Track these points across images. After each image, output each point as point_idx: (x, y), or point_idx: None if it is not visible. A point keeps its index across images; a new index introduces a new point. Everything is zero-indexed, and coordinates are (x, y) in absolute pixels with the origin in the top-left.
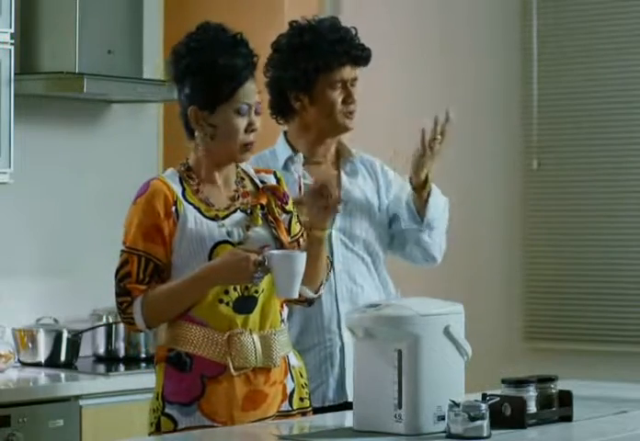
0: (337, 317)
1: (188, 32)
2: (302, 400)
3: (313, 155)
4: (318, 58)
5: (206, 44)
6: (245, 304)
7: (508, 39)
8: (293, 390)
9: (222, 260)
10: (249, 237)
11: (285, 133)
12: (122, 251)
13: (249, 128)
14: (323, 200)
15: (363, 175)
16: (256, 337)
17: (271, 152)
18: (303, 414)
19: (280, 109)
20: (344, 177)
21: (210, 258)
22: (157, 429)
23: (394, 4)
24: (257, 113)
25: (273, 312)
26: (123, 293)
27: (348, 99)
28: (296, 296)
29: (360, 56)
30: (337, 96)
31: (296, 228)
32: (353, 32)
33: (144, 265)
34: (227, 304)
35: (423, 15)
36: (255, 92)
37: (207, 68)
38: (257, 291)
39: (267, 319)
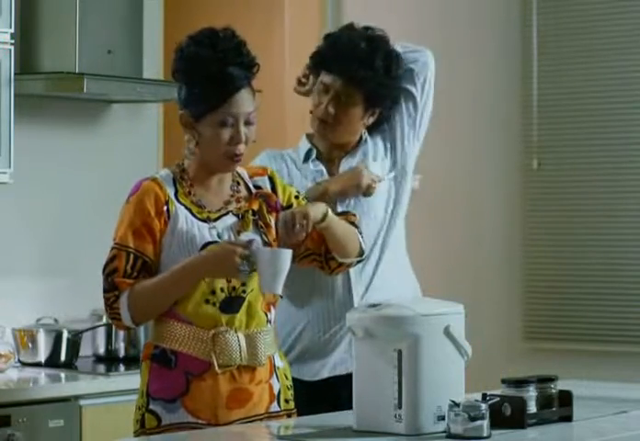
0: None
1: (191, 34)
2: (287, 401)
3: (330, 152)
4: (318, 56)
5: (203, 52)
6: (231, 304)
7: (508, 39)
8: (279, 391)
9: (210, 253)
10: (240, 240)
11: (307, 135)
12: (112, 247)
13: (233, 140)
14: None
15: (374, 158)
16: (241, 335)
17: (294, 150)
18: (289, 416)
19: None
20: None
21: None
22: (142, 426)
23: (395, 4)
24: (248, 123)
25: (260, 312)
26: (110, 288)
27: (320, 104)
28: (280, 292)
29: (340, 68)
30: (316, 98)
31: None
32: (361, 49)
33: (133, 262)
34: (213, 304)
35: (424, 15)
36: (248, 101)
37: (198, 78)
38: (244, 291)
39: (253, 318)
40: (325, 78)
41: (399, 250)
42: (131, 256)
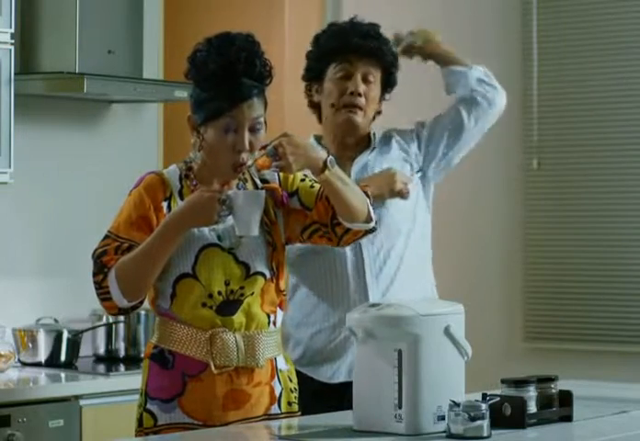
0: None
1: (209, 37)
2: (290, 404)
3: (340, 153)
4: (327, 46)
5: (213, 60)
6: (228, 307)
7: (509, 39)
8: (281, 394)
9: (187, 203)
10: (241, 244)
11: (315, 137)
12: (105, 235)
13: (236, 147)
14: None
15: (395, 155)
16: (238, 336)
17: None
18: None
19: (311, 105)
20: (352, 173)
21: (196, 260)
22: (140, 425)
23: (395, 3)
24: (253, 130)
25: (260, 314)
26: (99, 270)
27: (346, 91)
28: (256, 233)
29: (361, 45)
30: (337, 88)
31: (312, 192)
32: (369, 28)
33: (124, 248)
34: (210, 307)
35: (423, 14)
36: (255, 110)
37: (206, 85)
38: (242, 295)
39: (253, 320)
40: (344, 63)
41: (422, 256)
42: (125, 245)
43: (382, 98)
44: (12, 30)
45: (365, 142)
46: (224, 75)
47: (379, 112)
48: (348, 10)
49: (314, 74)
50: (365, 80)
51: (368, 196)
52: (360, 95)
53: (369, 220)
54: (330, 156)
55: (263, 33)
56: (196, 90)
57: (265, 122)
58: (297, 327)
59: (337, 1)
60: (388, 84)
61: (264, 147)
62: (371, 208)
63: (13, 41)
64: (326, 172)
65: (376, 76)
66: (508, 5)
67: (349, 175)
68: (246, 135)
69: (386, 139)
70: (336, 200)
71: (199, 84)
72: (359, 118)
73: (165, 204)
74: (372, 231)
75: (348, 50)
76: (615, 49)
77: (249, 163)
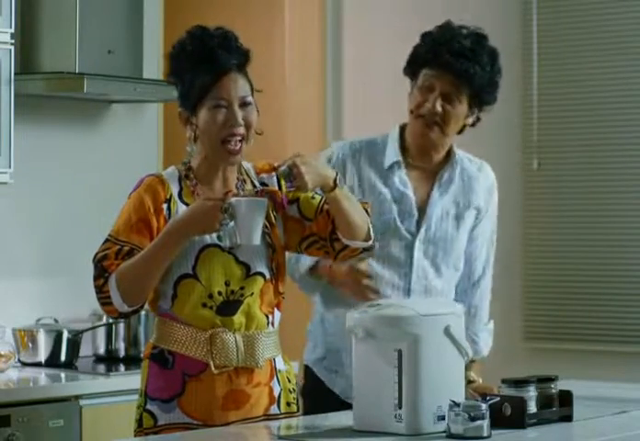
0: None
1: (179, 37)
2: (289, 404)
3: (417, 158)
4: (422, 52)
5: (189, 43)
6: (228, 308)
7: (508, 39)
8: (280, 394)
9: (189, 211)
10: (241, 245)
11: (402, 128)
12: (106, 239)
13: (229, 122)
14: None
15: (457, 190)
16: (238, 336)
17: (383, 140)
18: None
19: None
20: (435, 190)
21: (196, 261)
22: (139, 425)
23: (395, 3)
24: (244, 105)
25: (260, 315)
26: (100, 274)
27: (424, 104)
28: (258, 242)
29: (449, 63)
30: (419, 97)
31: (313, 204)
32: (466, 44)
33: (125, 252)
34: (210, 308)
35: (424, 14)
36: (241, 86)
37: (187, 67)
38: (242, 295)
39: (252, 320)
40: (430, 75)
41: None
42: (125, 248)
43: (472, 114)
44: (12, 30)
45: (444, 153)
46: (201, 52)
47: (469, 125)
48: (348, 10)
49: (409, 71)
50: (447, 99)
51: (369, 214)
52: (435, 113)
53: (368, 238)
54: (339, 175)
55: (263, 33)
56: (179, 79)
57: (257, 108)
58: (326, 349)
59: (337, 1)
60: (479, 103)
61: (277, 167)
62: (371, 226)
63: (13, 41)
64: (336, 190)
65: (461, 96)
66: (508, 5)
67: (436, 185)
68: (238, 110)
69: (471, 172)
70: (339, 217)
71: (180, 71)
72: (434, 134)
73: (165, 206)
74: (370, 249)
75: (437, 64)
76: (615, 49)
77: (249, 165)
